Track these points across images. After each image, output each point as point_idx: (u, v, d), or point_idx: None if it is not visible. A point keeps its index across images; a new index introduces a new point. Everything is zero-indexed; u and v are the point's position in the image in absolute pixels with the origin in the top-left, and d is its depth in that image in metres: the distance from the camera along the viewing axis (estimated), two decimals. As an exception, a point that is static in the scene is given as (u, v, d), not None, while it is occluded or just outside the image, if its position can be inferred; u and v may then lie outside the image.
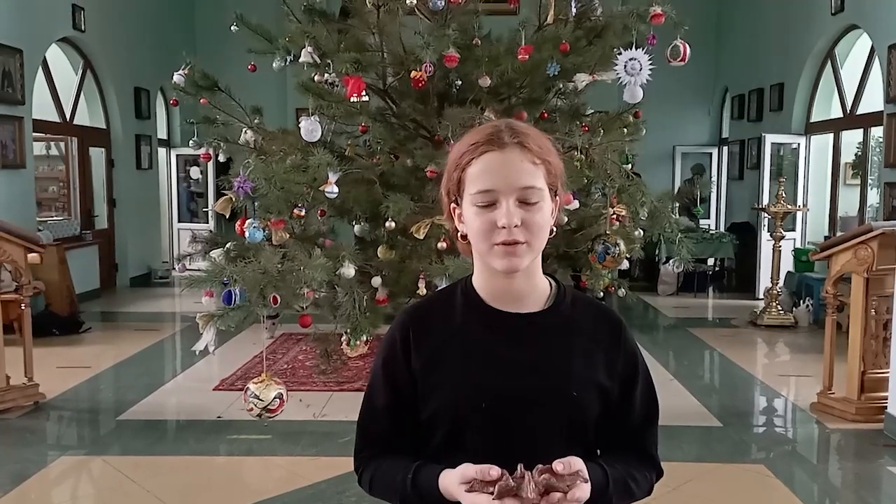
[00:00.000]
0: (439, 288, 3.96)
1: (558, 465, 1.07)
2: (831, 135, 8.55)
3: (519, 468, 1.07)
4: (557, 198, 1.22)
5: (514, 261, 1.16)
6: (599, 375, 1.23)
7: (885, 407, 4.35)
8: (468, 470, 1.10)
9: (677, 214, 5.16)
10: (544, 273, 1.28)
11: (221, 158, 5.23)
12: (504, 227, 1.14)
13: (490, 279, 1.23)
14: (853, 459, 4.18)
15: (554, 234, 1.23)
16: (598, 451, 1.28)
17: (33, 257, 4.81)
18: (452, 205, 1.23)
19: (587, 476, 1.10)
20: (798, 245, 8.53)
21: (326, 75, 4.61)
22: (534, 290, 1.25)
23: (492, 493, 1.06)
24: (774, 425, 4.88)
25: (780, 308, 7.34)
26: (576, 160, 4.09)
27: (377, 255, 4.46)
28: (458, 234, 1.24)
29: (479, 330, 1.23)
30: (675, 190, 8.79)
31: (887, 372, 4.40)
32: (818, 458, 4.34)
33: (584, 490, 1.09)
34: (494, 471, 1.07)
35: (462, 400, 1.20)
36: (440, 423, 1.22)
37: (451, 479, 1.13)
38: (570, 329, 1.25)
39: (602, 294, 4.80)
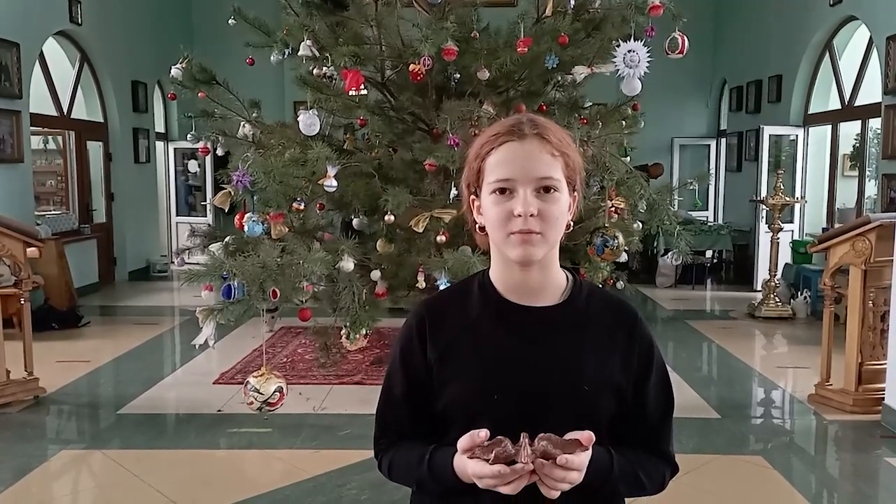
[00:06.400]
0: (437, 281, 3.98)
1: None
2: (829, 126, 8.55)
3: (521, 436, 1.08)
4: (576, 193, 1.22)
5: (528, 249, 1.16)
6: (614, 371, 1.23)
7: (883, 398, 4.37)
8: (464, 440, 1.11)
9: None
10: (562, 267, 1.27)
11: (220, 152, 5.23)
12: (520, 216, 1.15)
13: (506, 271, 1.24)
14: (850, 451, 4.19)
15: (570, 229, 1.23)
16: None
17: (32, 252, 4.80)
18: (472, 196, 1.25)
19: (588, 446, 1.09)
20: (796, 237, 8.54)
21: (325, 69, 4.60)
22: (549, 284, 1.25)
23: (489, 460, 1.07)
24: (772, 417, 4.89)
25: (778, 300, 7.35)
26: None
27: (376, 249, 4.46)
28: (477, 225, 1.25)
29: (492, 323, 1.24)
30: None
31: (885, 363, 4.41)
32: (816, 449, 4.35)
33: (579, 456, 1.08)
34: (484, 433, 1.08)
35: (473, 394, 1.21)
36: (454, 415, 1.22)
37: (458, 455, 1.14)
38: (584, 324, 1.24)
39: (601, 286, 4.81)
